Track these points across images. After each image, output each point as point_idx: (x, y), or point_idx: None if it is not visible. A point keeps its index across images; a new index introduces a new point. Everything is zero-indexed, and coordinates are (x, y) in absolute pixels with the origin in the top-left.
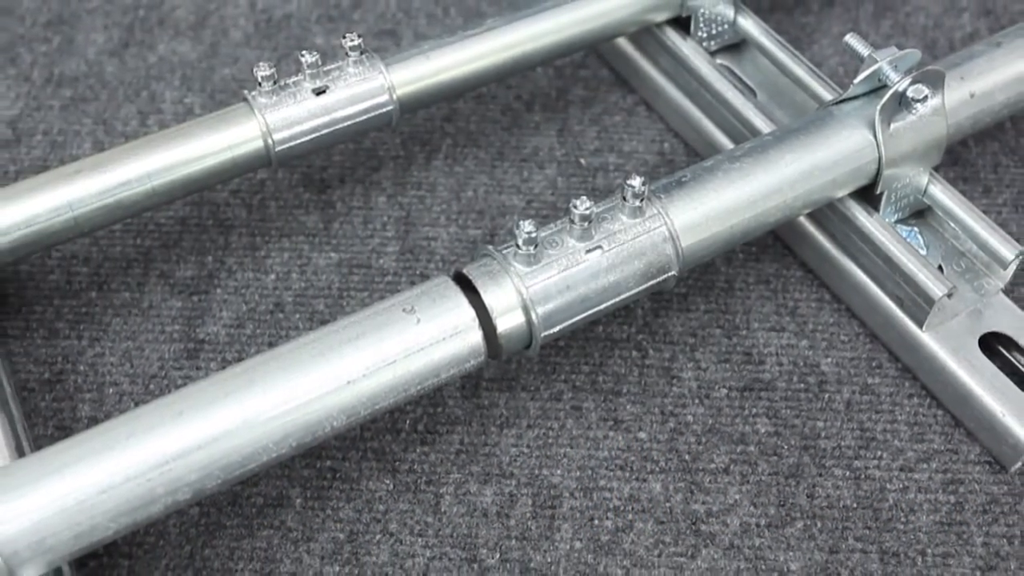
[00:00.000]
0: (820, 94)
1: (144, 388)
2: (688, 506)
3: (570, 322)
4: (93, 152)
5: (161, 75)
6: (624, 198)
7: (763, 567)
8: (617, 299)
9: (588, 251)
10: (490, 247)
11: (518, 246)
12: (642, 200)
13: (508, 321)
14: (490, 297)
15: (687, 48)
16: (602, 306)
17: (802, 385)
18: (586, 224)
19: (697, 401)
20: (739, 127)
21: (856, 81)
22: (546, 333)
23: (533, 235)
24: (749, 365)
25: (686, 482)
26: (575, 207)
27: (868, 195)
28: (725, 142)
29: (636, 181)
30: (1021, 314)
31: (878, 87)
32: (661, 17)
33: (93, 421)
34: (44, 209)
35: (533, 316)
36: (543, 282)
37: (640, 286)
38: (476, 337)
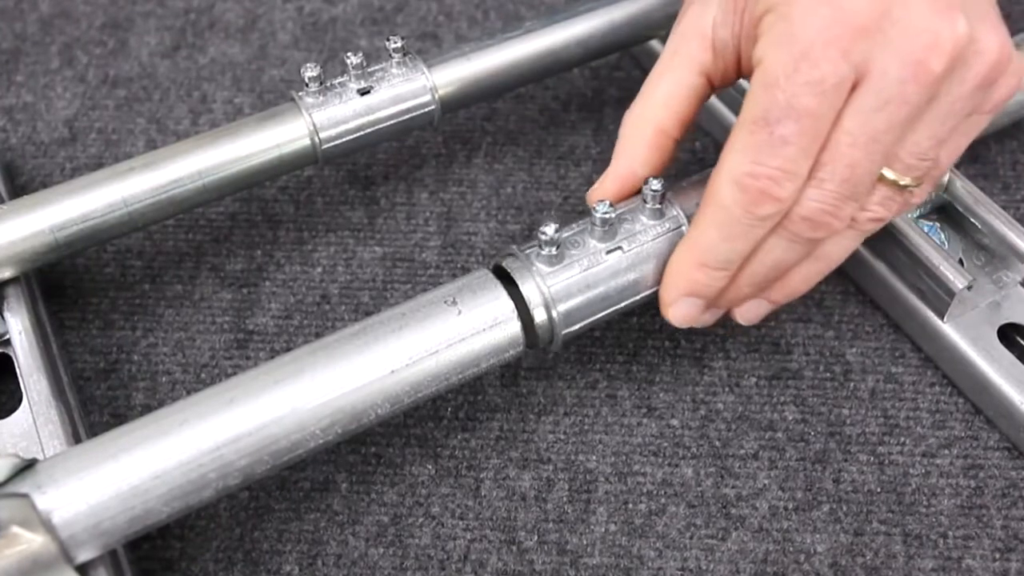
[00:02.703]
0: None
1: (196, 377)
2: (719, 490)
3: (590, 320)
4: (146, 150)
5: (212, 76)
6: (644, 200)
7: (791, 548)
8: (637, 297)
9: (609, 251)
10: (514, 247)
11: (540, 247)
12: (662, 202)
13: (538, 315)
14: (527, 288)
15: None
16: (622, 304)
17: (828, 374)
18: (607, 226)
19: (727, 389)
20: None
21: None
22: (567, 331)
23: (554, 237)
24: (777, 355)
25: (717, 467)
26: (596, 210)
27: None
28: None
29: (656, 183)
30: None
31: None
32: None
33: (147, 409)
34: (100, 205)
35: (554, 314)
36: (564, 281)
37: (660, 285)
38: (515, 327)
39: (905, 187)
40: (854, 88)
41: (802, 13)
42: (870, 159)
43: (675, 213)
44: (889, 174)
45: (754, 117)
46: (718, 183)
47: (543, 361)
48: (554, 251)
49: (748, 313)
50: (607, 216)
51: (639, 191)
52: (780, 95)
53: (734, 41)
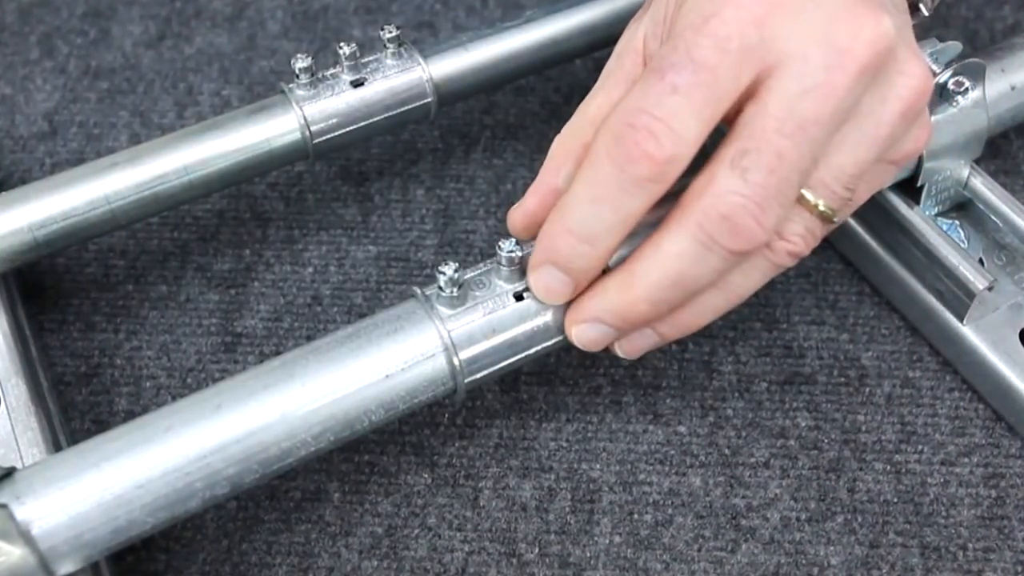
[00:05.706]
0: None
1: (181, 382)
2: (728, 500)
3: (497, 367)
4: (130, 145)
5: (198, 67)
6: None
7: (803, 561)
8: (550, 342)
9: (516, 293)
10: (416, 289)
11: (440, 288)
12: None
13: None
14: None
15: None
16: (531, 351)
17: (843, 379)
18: (514, 265)
19: (737, 395)
20: None
21: None
22: (471, 379)
23: (454, 276)
24: (789, 359)
25: (726, 476)
26: (501, 248)
27: (908, 188)
28: None
29: None
30: None
31: None
32: None
33: (130, 415)
34: (81, 202)
35: (456, 361)
36: (467, 325)
37: None
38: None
39: (824, 216)
40: (766, 78)
41: None
42: (798, 152)
43: None
44: (810, 196)
45: (650, 68)
46: (597, 134)
47: (544, 366)
48: (455, 292)
49: (629, 344)
50: (512, 255)
51: None
52: (681, 44)
53: None
